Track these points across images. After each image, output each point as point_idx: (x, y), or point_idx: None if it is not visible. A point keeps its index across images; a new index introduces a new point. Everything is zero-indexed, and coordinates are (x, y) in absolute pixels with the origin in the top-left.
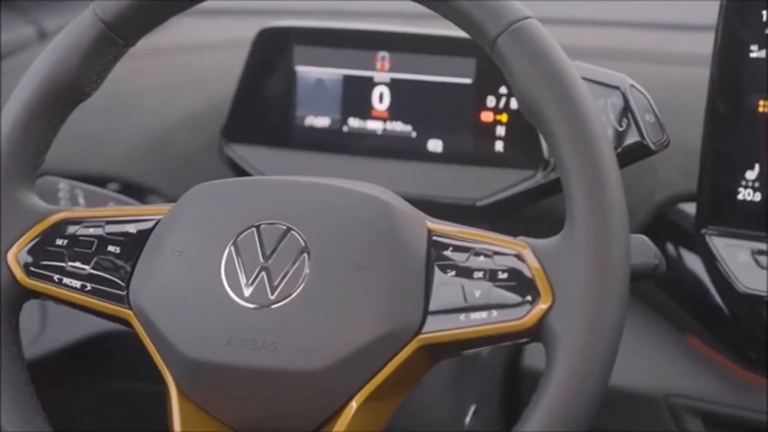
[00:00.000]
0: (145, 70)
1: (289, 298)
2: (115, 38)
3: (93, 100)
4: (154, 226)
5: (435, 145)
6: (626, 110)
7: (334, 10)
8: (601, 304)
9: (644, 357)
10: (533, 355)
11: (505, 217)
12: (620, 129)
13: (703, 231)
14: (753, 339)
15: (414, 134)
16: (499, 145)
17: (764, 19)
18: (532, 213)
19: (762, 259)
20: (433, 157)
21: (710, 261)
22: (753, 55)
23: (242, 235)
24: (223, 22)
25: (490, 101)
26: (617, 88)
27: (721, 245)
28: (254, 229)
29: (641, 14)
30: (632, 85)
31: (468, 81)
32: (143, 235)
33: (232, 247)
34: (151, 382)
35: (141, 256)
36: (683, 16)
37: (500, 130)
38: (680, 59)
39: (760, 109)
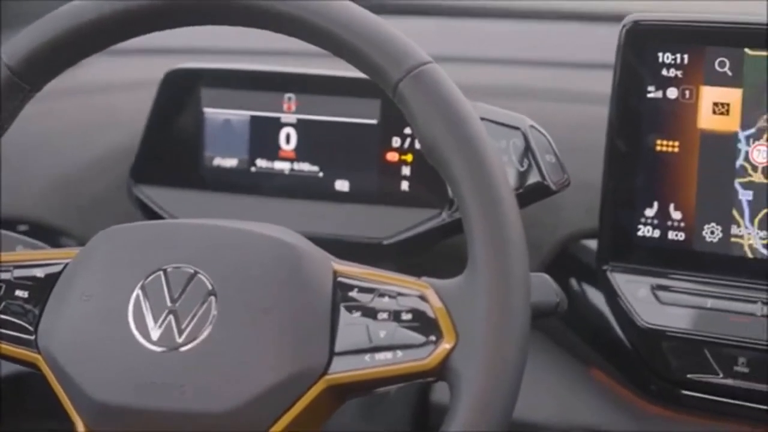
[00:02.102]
0: (56, 110)
1: (197, 341)
2: (22, 84)
3: (2, 142)
4: (63, 270)
5: (342, 185)
6: (527, 151)
7: (243, 48)
8: (502, 344)
9: (549, 391)
10: (442, 390)
11: (413, 255)
12: (521, 169)
13: (605, 267)
14: (654, 372)
15: (321, 174)
16: (404, 185)
17: (660, 60)
18: (440, 251)
19: (661, 294)
20: (340, 197)
21: (612, 296)
22: (650, 95)
23: (150, 279)
24: (135, 60)
25: (396, 141)
26: (518, 128)
27: (622, 281)
28: (161, 272)
29: (542, 53)
30: (532, 126)
31: (373, 121)
32: (51, 279)
33: (140, 291)
34: (62, 423)
35: (49, 300)
36: (583, 55)
37: (405, 170)
38: (581, 97)
39: (658, 148)
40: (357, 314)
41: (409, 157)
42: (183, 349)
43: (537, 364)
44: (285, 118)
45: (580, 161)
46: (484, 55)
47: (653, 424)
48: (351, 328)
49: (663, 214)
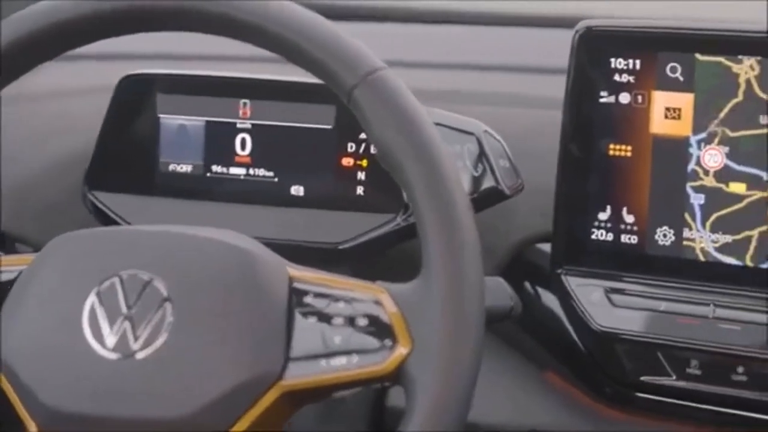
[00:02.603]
0: (9, 117)
1: (152, 348)
2: None
3: None
4: (17, 277)
5: (297, 190)
6: (481, 156)
7: (198, 54)
8: (456, 348)
9: (505, 394)
10: (398, 394)
11: (368, 259)
12: (476, 174)
13: (559, 271)
14: (608, 374)
15: (276, 179)
16: (360, 190)
17: (613, 65)
18: (396, 255)
19: (615, 297)
20: (296, 202)
21: (566, 300)
22: (603, 100)
23: (105, 285)
24: (89, 66)
25: (351, 146)
26: (472, 133)
27: (576, 284)
28: (117, 278)
29: (496, 57)
30: (487, 131)
31: (328, 127)
32: (6, 286)
33: (95, 297)
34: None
35: (4, 306)
36: (537, 60)
37: (361, 175)
38: (535, 102)
39: (611, 153)
40: (312, 319)
41: (364, 162)
42: (138, 355)
43: (492, 367)
44: (240, 123)
45: (534, 166)
46: (438, 60)
47: (608, 426)
48: (306, 333)
49: (616, 218)
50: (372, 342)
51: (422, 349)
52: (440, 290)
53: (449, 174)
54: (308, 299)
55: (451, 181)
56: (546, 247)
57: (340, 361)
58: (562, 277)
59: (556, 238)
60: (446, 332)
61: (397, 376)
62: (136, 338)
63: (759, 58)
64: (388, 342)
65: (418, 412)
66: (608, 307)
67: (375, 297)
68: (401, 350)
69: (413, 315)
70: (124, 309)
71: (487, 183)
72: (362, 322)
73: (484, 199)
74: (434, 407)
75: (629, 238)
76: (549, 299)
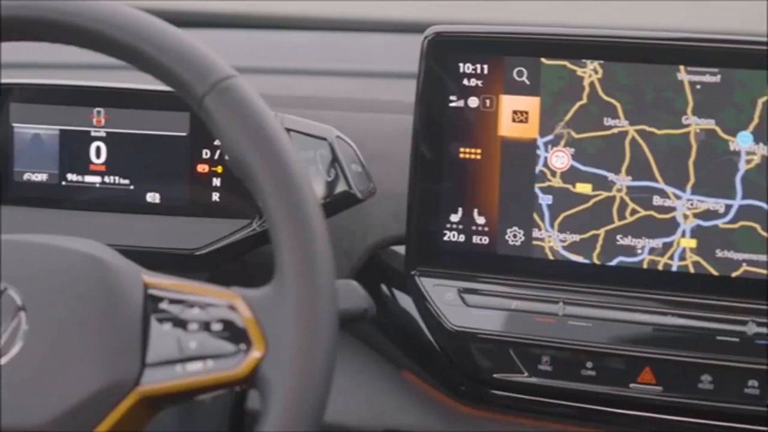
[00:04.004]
0: None
1: (8, 356)
2: None
3: None
4: None
5: (153, 197)
6: (334, 161)
7: (51, 62)
8: (310, 351)
9: (362, 394)
10: (258, 397)
11: (225, 265)
12: (329, 179)
13: (413, 272)
14: (463, 373)
15: (132, 187)
16: (215, 196)
17: (461, 70)
18: (254, 260)
19: (468, 297)
20: (152, 209)
21: (420, 301)
22: (452, 104)
23: None
24: None
25: (205, 153)
26: (325, 139)
27: (430, 285)
28: None
29: (348, 63)
30: (339, 137)
31: (183, 134)
32: None
33: None
34: None
35: None
36: (388, 65)
37: (216, 181)
38: (387, 107)
39: (461, 156)
40: (168, 325)
41: (219, 169)
42: None
43: (350, 368)
44: (95, 132)
45: (387, 169)
46: (291, 66)
47: (464, 423)
48: (162, 339)
49: (467, 220)
50: (227, 346)
51: (276, 352)
52: (293, 294)
53: (300, 180)
54: (163, 305)
55: (301, 187)
56: (400, 249)
57: (195, 366)
58: (417, 279)
59: (410, 240)
60: (299, 335)
61: (253, 379)
62: None
63: (602, 61)
64: (242, 346)
65: (273, 414)
66: (461, 307)
67: (229, 302)
68: (255, 354)
69: (267, 319)
70: None
71: (340, 187)
72: (217, 327)
73: (337, 203)
74: (289, 408)
75: (480, 239)
76: (404, 300)
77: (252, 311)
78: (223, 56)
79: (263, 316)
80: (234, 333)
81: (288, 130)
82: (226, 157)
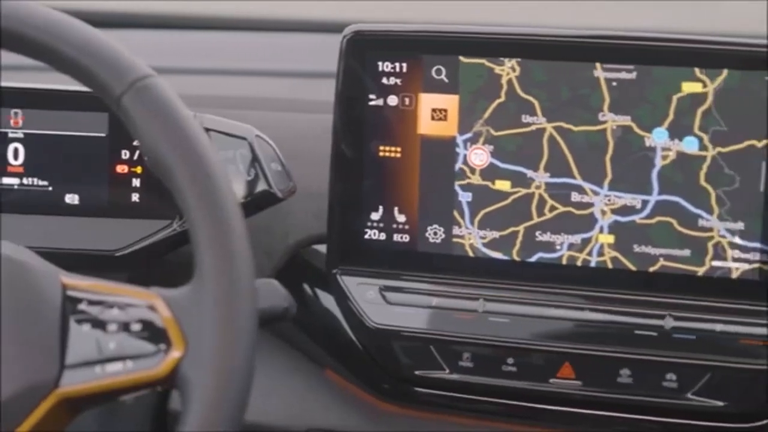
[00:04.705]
0: None
1: None
2: None
3: None
4: None
5: (72, 199)
6: (254, 160)
7: None
8: (229, 350)
9: (285, 393)
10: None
11: (146, 265)
12: (249, 178)
13: (335, 271)
14: (385, 370)
15: (51, 188)
16: (135, 196)
17: (380, 68)
18: (177, 260)
19: (389, 295)
20: (71, 210)
21: (342, 299)
22: (372, 103)
23: None
24: None
25: (125, 154)
26: (244, 138)
27: (351, 284)
28: None
29: (267, 63)
30: (258, 136)
31: (102, 135)
32: None
33: None
34: None
35: None
36: (308, 64)
37: (136, 182)
38: (306, 106)
39: (381, 154)
40: (87, 326)
41: (139, 169)
42: None
43: (273, 368)
44: (12, 133)
45: (308, 169)
46: (211, 66)
47: (388, 422)
48: (81, 340)
49: (388, 218)
50: (146, 347)
51: (195, 351)
52: (212, 293)
53: (218, 179)
54: (82, 306)
55: (220, 186)
56: (322, 248)
57: (115, 366)
58: (338, 277)
59: (331, 239)
60: (218, 334)
61: (173, 379)
62: None
63: (519, 59)
64: (162, 346)
65: (192, 413)
66: (383, 305)
67: (149, 302)
68: (175, 354)
69: (186, 319)
70: None
71: (260, 187)
72: (136, 327)
73: (257, 203)
74: (208, 408)
75: (401, 237)
76: (326, 299)
77: (171, 311)
78: (142, 56)
79: (183, 315)
80: (153, 333)
81: (207, 129)
82: (145, 158)
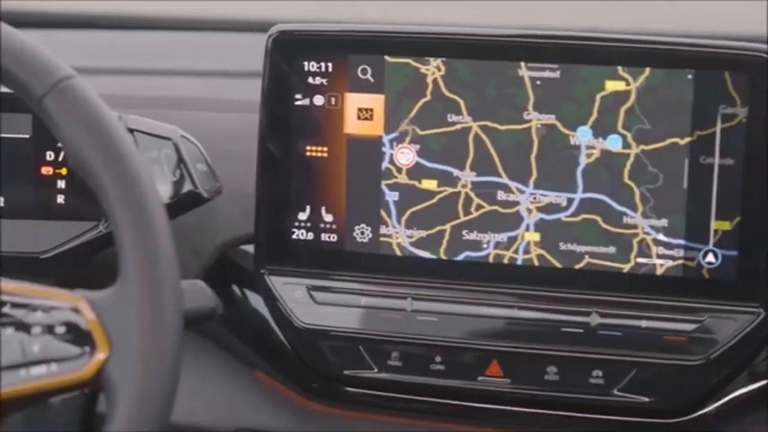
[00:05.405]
0: None
1: None
2: None
3: None
4: None
5: None
6: (179, 161)
7: None
8: (154, 351)
9: (214, 394)
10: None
11: (73, 267)
12: (174, 179)
13: (262, 271)
14: (313, 370)
15: None
16: (60, 198)
17: (306, 68)
18: (103, 261)
19: (317, 295)
20: None
21: (270, 299)
22: (298, 102)
23: None
24: None
25: (49, 155)
26: (169, 139)
27: (279, 284)
28: None
29: (193, 63)
30: (183, 136)
31: (26, 136)
32: None
33: None
34: None
35: None
36: (234, 64)
37: (61, 183)
38: (233, 106)
39: (308, 154)
40: (10, 330)
41: (64, 171)
42: None
43: (201, 368)
44: None
45: (235, 169)
46: (136, 66)
47: (318, 422)
48: (5, 344)
49: (315, 218)
50: (71, 349)
51: (120, 353)
52: (136, 295)
53: (142, 179)
54: (6, 310)
55: (144, 187)
56: (250, 248)
57: (39, 369)
58: (266, 277)
59: (258, 239)
60: (144, 336)
61: (98, 381)
62: None
63: (444, 58)
64: (87, 348)
65: (118, 415)
66: (311, 304)
67: (73, 305)
68: (100, 356)
69: (111, 321)
70: None
71: (186, 187)
72: (61, 330)
73: (183, 203)
74: (133, 408)
75: (329, 237)
76: (255, 299)
77: (96, 313)
78: (65, 57)
79: (107, 317)
80: (78, 335)
81: (132, 130)
82: (69, 159)
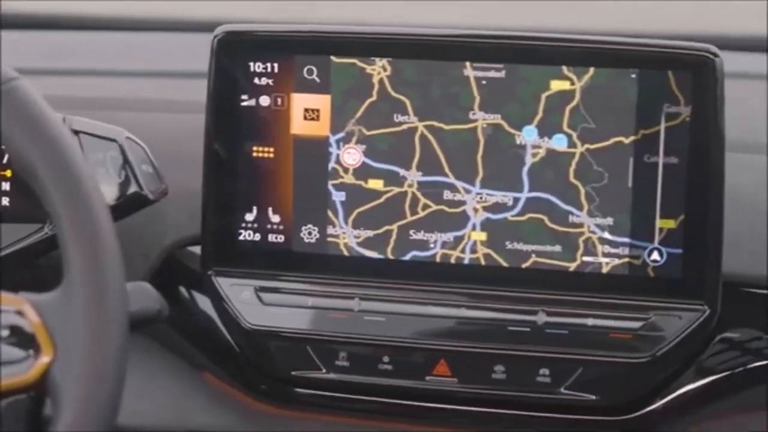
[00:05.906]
0: None
1: None
2: None
3: None
4: None
5: None
6: (124, 162)
7: None
8: (99, 354)
9: (161, 396)
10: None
11: (18, 270)
12: (119, 180)
13: (209, 272)
14: (261, 371)
15: None
16: (5, 200)
17: (252, 69)
18: (49, 263)
19: (265, 295)
20: None
21: (217, 300)
22: (244, 103)
23: None
24: None
25: None
26: (114, 140)
27: (226, 285)
28: None
29: (138, 63)
30: (129, 138)
31: None
32: None
33: None
34: None
35: None
36: (180, 64)
37: (5, 185)
38: (179, 107)
39: (254, 155)
40: None
41: (8, 173)
42: None
43: (148, 370)
44: None
45: (182, 170)
46: (80, 67)
47: (267, 423)
48: None
49: (262, 218)
50: (15, 352)
51: (65, 356)
52: (81, 297)
53: (85, 181)
54: None
55: (87, 188)
56: (197, 249)
57: None
58: (213, 278)
59: (205, 240)
60: (88, 338)
61: (43, 384)
62: None
63: (390, 58)
64: (31, 351)
65: (62, 418)
66: (258, 305)
67: (17, 307)
68: (44, 359)
69: (55, 323)
70: None
71: (131, 189)
72: (4, 333)
73: (128, 205)
74: (77, 411)
75: (276, 237)
76: (202, 301)
77: (40, 316)
78: (6, 58)
79: (51, 320)
80: (22, 338)
81: (77, 131)
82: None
